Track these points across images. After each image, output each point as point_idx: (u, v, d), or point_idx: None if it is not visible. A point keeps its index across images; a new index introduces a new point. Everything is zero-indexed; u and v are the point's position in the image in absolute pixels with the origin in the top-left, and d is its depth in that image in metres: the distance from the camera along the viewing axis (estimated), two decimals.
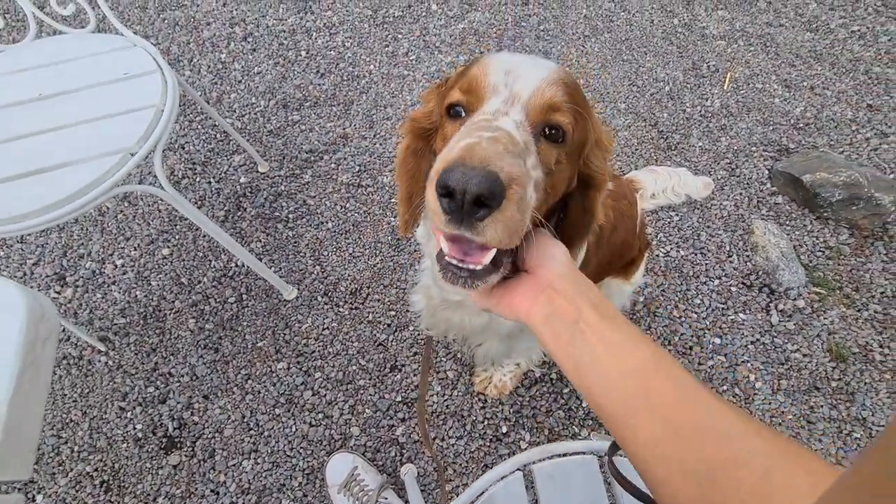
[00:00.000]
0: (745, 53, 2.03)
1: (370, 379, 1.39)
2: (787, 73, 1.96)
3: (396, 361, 1.42)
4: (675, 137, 1.81)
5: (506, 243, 0.45)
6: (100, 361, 1.46)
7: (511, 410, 1.35)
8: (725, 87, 1.95)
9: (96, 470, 1.33)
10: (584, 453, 0.73)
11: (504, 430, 1.33)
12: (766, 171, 1.72)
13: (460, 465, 1.29)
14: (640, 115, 1.87)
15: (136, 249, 1.62)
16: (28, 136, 1.04)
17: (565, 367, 0.48)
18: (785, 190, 1.67)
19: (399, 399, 1.37)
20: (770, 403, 1.32)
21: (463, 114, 0.53)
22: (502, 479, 0.71)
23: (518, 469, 0.72)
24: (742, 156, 1.76)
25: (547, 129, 0.51)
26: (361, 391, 1.38)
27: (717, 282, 1.51)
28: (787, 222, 1.61)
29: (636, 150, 1.79)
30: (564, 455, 0.73)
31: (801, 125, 1.82)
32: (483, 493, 0.70)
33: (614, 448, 0.66)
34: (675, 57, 2.03)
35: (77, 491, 1.30)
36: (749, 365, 1.38)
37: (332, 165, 1.77)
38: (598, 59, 2.03)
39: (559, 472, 0.71)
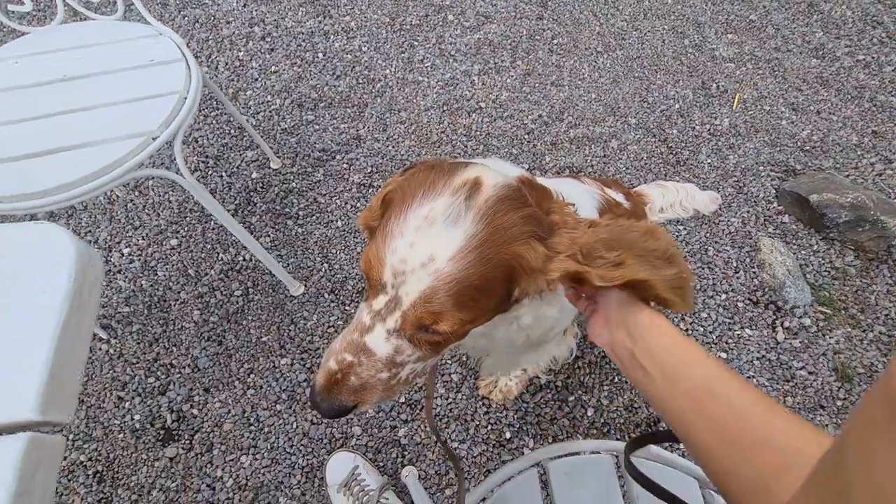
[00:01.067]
0: (754, 76, 2.07)
1: None
2: (795, 97, 1.99)
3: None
4: (684, 154, 1.84)
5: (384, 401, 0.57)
6: (100, 349, 1.44)
7: (515, 416, 1.34)
8: (734, 108, 1.98)
9: (90, 459, 1.30)
10: (599, 452, 0.72)
11: (508, 435, 1.32)
12: (773, 191, 1.74)
13: (462, 468, 1.28)
14: (650, 131, 1.90)
15: (143, 239, 1.61)
16: (50, 116, 1.04)
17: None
18: (791, 209, 1.69)
19: (402, 400, 1.36)
20: None
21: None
22: (519, 474, 0.70)
23: (533, 466, 0.71)
24: (750, 174, 1.78)
25: (424, 329, 0.52)
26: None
27: (723, 296, 1.51)
28: (794, 241, 1.62)
29: (645, 164, 1.81)
30: (579, 453, 0.72)
31: (808, 147, 1.85)
32: (500, 485, 0.69)
33: (631, 446, 0.66)
34: (686, 76, 2.07)
35: (69, 480, 1.27)
36: (755, 381, 1.38)
37: (345, 165, 1.78)
38: (609, 74, 2.07)
39: (574, 470, 0.70)
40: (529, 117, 1.93)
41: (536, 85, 2.03)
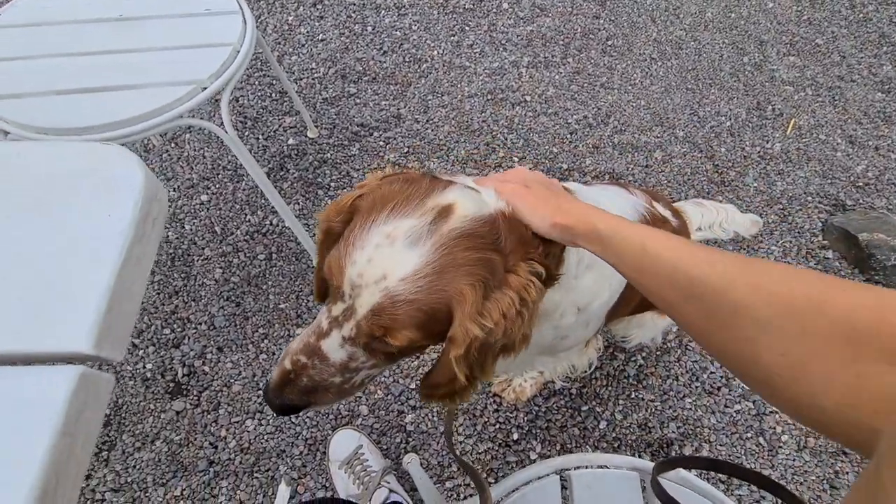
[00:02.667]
0: (812, 103, 1.99)
1: None
2: (853, 130, 1.91)
3: (425, 362, 1.39)
4: (731, 174, 1.77)
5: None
6: None
7: (525, 419, 1.31)
8: (788, 133, 1.90)
9: None
10: (625, 469, 0.69)
11: (515, 437, 1.29)
12: (820, 224, 1.67)
13: (482, 476, 1.25)
14: (698, 146, 1.84)
15: (175, 191, 1.61)
16: (102, 54, 1.03)
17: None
18: (837, 245, 1.61)
19: (413, 386, 1.34)
20: (794, 460, 1.27)
21: None
22: (538, 479, 0.67)
23: (555, 473, 0.68)
24: (796, 204, 1.71)
25: (377, 339, 0.52)
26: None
27: None
28: None
29: (689, 179, 1.75)
30: (605, 467, 0.69)
31: (861, 183, 1.77)
32: (516, 490, 0.67)
33: (660, 468, 0.63)
34: (741, 94, 1.99)
35: None
36: (777, 417, 1.33)
37: (381, 143, 1.75)
38: (662, 83, 2.00)
39: (598, 483, 0.67)
40: (574, 117, 1.87)
41: (585, 84, 1.97)
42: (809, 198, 1.73)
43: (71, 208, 0.32)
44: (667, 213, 1.01)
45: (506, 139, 1.80)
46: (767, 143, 1.86)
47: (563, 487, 0.69)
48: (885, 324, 0.31)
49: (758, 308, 0.37)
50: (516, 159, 1.76)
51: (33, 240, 0.30)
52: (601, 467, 0.69)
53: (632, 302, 0.89)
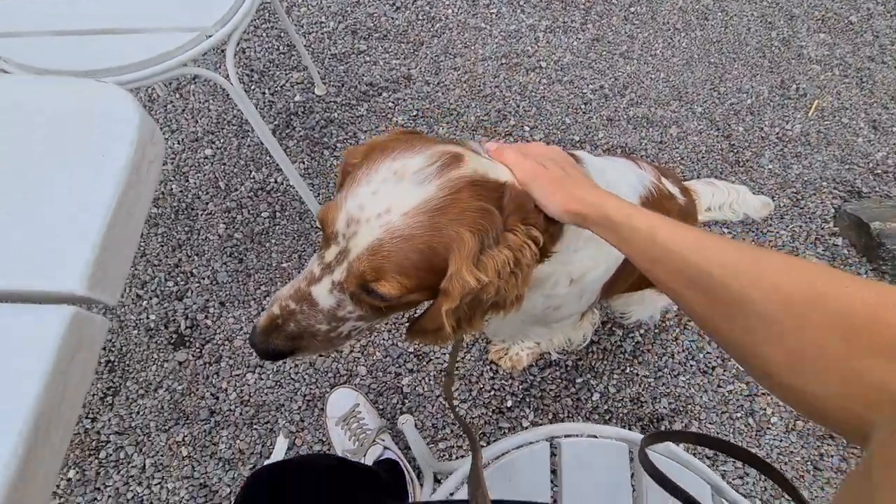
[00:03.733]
0: (839, 84, 1.91)
1: (386, 324, 1.38)
2: (878, 114, 1.84)
3: (416, 312, 1.40)
4: (746, 154, 1.73)
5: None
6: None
7: (520, 387, 1.33)
8: (810, 114, 1.84)
9: (103, 348, 1.34)
10: (614, 439, 0.70)
11: (509, 404, 1.32)
12: (832, 210, 1.64)
13: (458, 428, 1.29)
14: (715, 123, 1.78)
15: (179, 143, 1.59)
16: None
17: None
18: (847, 233, 1.59)
19: (411, 350, 1.35)
20: (781, 441, 1.29)
21: None
22: (528, 444, 0.68)
23: (545, 440, 0.69)
24: (810, 188, 1.67)
25: (366, 289, 0.52)
26: (376, 333, 1.37)
27: None
28: (842, 267, 1.54)
29: (703, 158, 1.71)
30: (595, 437, 0.70)
31: (880, 171, 1.72)
32: (506, 454, 0.68)
33: (649, 440, 0.64)
34: (765, 71, 1.92)
35: None
36: (768, 398, 1.34)
37: (390, 104, 1.71)
38: (684, 55, 1.92)
39: (586, 452, 0.69)
40: (590, 87, 1.81)
41: (604, 53, 1.90)
42: (825, 183, 1.69)
43: (63, 147, 0.31)
44: (674, 190, 0.99)
45: (518, 106, 1.75)
46: (787, 123, 1.81)
47: (553, 454, 0.70)
48: (882, 320, 0.32)
49: (759, 301, 0.38)
50: (527, 128, 1.72)
51: (23, 178, 0.29)
52: (591, 437, 0.70)
53: (629, 278, 0.89)
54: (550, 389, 1.34)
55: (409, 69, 1.78)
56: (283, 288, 0.57)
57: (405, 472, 1.13)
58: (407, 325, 0.62)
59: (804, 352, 0.35)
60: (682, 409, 1.32)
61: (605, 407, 1.32)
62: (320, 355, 1.33)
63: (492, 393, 1.32)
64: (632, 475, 0.70)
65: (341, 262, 0.51)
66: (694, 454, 0.71)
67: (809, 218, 1.62)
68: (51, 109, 0.31)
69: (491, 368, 1.35)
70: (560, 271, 0.66)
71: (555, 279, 0.67)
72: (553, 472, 0.69)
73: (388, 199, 0.49)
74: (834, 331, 0.34)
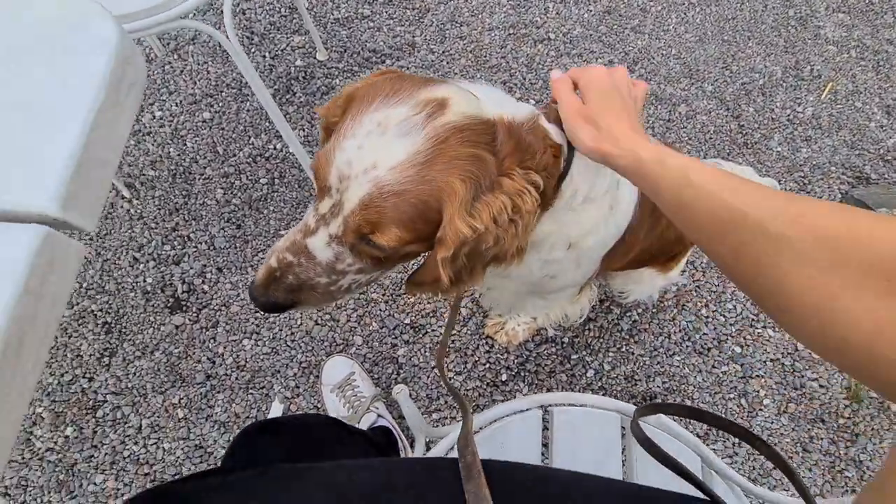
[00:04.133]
0: (854, 66, 1.86)
1: (383, 295, 1.37)
2: (893, 99, 1.80)
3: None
4: (755, 136, 1.69)
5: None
6: (122, 207, 1.43)
7: (515, 361, 1.34)
8: (823, 97, 1.80)
9: (101, 310, 1.34)
10: (607, 409, 0.70)
11: (504, 377, 1.32)
12: (839, 195, 1.61)
13: (452, 399, 1.29)
14: (725, 103, 1.74)
15: (177, 105, 1.56)
16: None
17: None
18: None
19: (407, 321, 1.35)
20: (772, 423, 1.30)
21: None
22: (521, 412, 0.68)
23: (538, 407, 0.69)
24: (819, 173, 1.65)
25: (364, 240, 0.51)
26: (372, 304, 1.36)
27: None
28: None
29: (711, 138, 1.68)
30: (588, 406, 0.70)
31: (890, 157, 1.69)
32: (498, 420, 0.68)
33: (642, 411, 0.63)
34: (780, 51, 1.86)
35: (79, 325, 1.32)
36: (762, 381, 1.35)
37: None
38: (697, 31, 1.87)
39: (578, 421, 0.69)
40: (599, 60, 1.77)
41: (615, 26, 1.84)
42: (833, 168, 1.66)
43: (36, 60, 0.29)
44: None
45: (524, 78, 1.71)
46: (799, 106, 1.77)
47: (545, 423, 0.70)
48: None
49: (796, 239, 0.36)
50: (533, 101, 1.68)
51: None
52: (583, 406, 0.70)
53: (630, 251, 0.87)
54: (546, 365, 1.34)
55: (413, 36, 1.73)
56: (280, 240, 0.56)
57: (399, 439, 1.15)
58: (406, 277, 0.61)
59: (839, 290, 0.33)
60: (675, 388, 1.33)
61: (600, 383, 1.33)
62: (312, 320, 1.33)
63: (487, 366, 1.33)
64: (623, 445, 0.70)
65: (336, 215, 0.50)
66: (686, 427, 0.71)
67: None
68: (25, 19, 0.30)
69: (486, 342, 1.35)
70: (559, 233, 0.64)
71: (552, 241, 0.65)
72: (545, 442, 0.69)
73: (374, 154, 0.48)
74: (875, 269, 0.32)
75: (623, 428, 0.70)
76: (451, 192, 0.48)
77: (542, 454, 0.70)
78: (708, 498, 0.50)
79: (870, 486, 0.31)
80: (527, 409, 0.68)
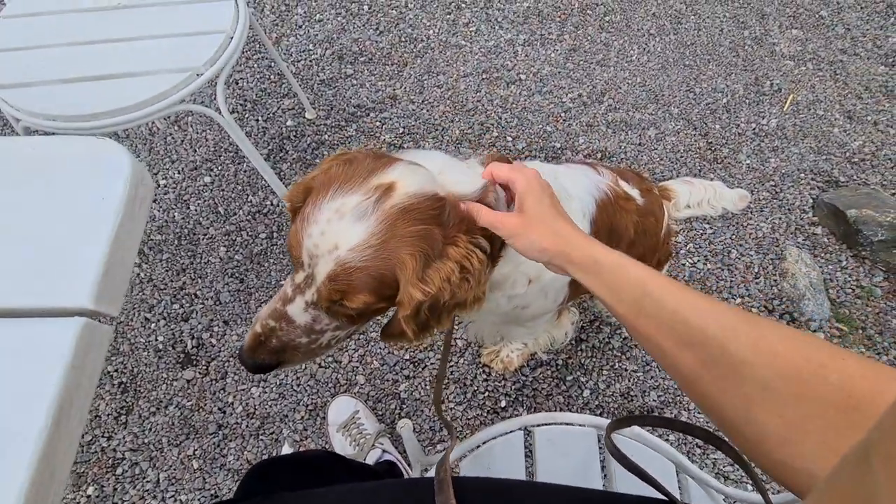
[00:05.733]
0: (812, 77, 1.97)
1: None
2: (853, 105, 1.89)
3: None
4: (724, 151, 1.78)
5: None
6: (133, 272, 1.53)
7: (513, 387, 1.39)
8: (785, 109, 1.89)
9: (116, 370, 1.41)
10: (584, 426, 0.76)
11: (503, 404, 1.37)
12: (811, 200, 1.68)
13: (455, 429, 1.34)
14: (692, 123, 1.84)
15: (179, 173, 1.68)
16: (103, 42, 1.08)
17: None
18: (826, 222, 1.63)
19: (407, 357, 1.41)
20: None
21: None
22: (506, 434, 0.74)
23: (521, 429, 0.75)
24: (789, 180, 1.72)
25: (337, 303, 0.58)
26: (372, 343, 1.43)
27: (738, 300, 1.50)
28: (822, 255, 1.58)
29: (681, 157, 1.77)
30: (567, 424, 0.76)
31: (857, 160, 1.77)
32: (484, 443, 0.74)
33: (615, 425, 0.69)
34: (739, 70, 1.98)
35: (97, 387, 1.39)
36: None
37: (378, 123, 1.79)
38: (659, 59, 1.99)
39: (559, 439, 0.74)
40: (569, 95, 1.89)
41: (581, 62, 1.97)
42: (802, 174, 1.74)
43: (69, 196, 0.38)
44: (633, 193, 1.03)
45: (500, 118, 1.82)
46: (763, 119, 1.86)
47: (528, 444, 0.76)
48: (882, 396, 0.32)
49: (758, 366, 0.37)
50: (510, 138, 1.79)
51: (40, 218, 0.37)
52: (564, 424, 0.76)
53: None
54: (542, 388, 1.39)
55: (394, 89, 1.86)
56: (263, 309, 0.63)
57: (404, 472, 1.19)
58: (380, 330, 0.69)
59: (802, 422, 0.34)
60: (671, 400, 1.36)
61: (597, 402, 1.37)
62: (316, 364, 1.39)
63: (486, 394, 1.38)
64: (602, 458, 0.75)
65: (310, 285, 0.58)
66: (659, 437, 0.76)
67: (789, 209, 1.67)
68: (59, 160, 0.39)
69: (484, 371, 1.40)
70: (516, 272, 0.72)
71: (512, 280, 0.73)
72: (528, 458, 0.74)
73: (335, 238, 0.55)
74: (834, 403, 0.33)
75: (601, 442, 0.75)
76: (402, 266, 0.55)
77: (529, 473, 0.75)
78: (667, 499, 0.55)
79: (815, 486, 0.31)
80: (510, 432, 0.74)
